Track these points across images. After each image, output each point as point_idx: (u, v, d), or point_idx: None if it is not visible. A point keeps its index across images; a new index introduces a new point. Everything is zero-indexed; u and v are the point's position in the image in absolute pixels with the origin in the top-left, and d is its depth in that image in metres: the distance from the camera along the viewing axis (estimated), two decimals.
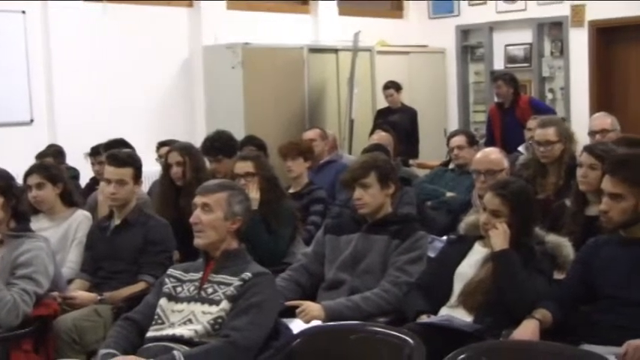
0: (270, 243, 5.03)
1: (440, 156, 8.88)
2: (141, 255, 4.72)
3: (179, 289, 3.56)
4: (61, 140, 7.96)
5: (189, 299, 3.50)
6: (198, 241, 3.58)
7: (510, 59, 11.50)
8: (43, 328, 4.26)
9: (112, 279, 4.73)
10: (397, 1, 12.21)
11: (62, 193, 5.15)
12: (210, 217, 3.56)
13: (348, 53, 10.15)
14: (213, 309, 3.42)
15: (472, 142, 6.48)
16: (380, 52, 10.96)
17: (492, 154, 5.08)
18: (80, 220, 5.11)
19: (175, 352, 3.26)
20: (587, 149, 4.61)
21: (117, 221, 4.86)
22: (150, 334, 3.48)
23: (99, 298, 4.57)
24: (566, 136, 5.44)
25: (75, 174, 7.31)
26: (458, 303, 3.90)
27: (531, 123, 6.93)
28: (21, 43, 8.33)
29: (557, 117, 6.28)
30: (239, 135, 7.16)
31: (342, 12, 11.13)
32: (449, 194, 6.22)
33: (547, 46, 11.30)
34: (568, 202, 4.69)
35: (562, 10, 10.91)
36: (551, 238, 4.05)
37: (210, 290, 3.48)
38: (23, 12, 8.34)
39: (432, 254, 4.42)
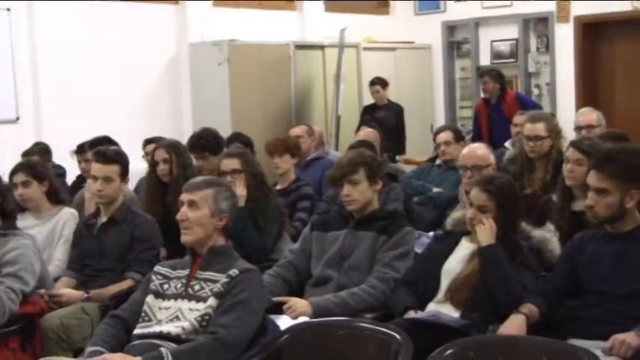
0: (257, 240, 5.03)
1: (426, 152, 8.89)
2: (128, 252, 4.70)
3: (166, 286, 3.56)
4: (47, 138, 7.93)
5: (176, 296, 3.50)
6: (185, 238, 3.58)
7: (496, 55, 11.52)
8: (29, 326, 4.26)
9: (98, 276, 4.71)
10: None
11: (48, 190, 5.14)
12: (197, 214, 3.56)
13: (334, 50, 10.14)
14: (200, 306, 3.42)
15: (458, 137, 6.48)
16: (366, 49, 10.98)
17: (479, 149, 5.10)
18: (67, 217, 5.10)
19: (162, 350, 3.26)
20: (574, 144, 4.62)
21: (103, 219, 4.85)
22: (137, 331, 3.47)
23: (86, 295, 4.55)
24: (556, 132, 5.46)
25: (61, 172, 7.28)
26: (445, 298, 3.91)
27: (518, 118, 6.95)
28: (6, 40, 8.30)
29: (547, 112, 6.28)
30: (225, 132, 7.15)
31: (328, 8, 11.12)
32: (435, 190, 6.22)
33: (533, 42, 11.33)
34: (555, 197, 4.70)
35: (548, 6, 10.94)
36: (538, 233, 4.07)
37: (197, 287, 3.49)
38: (8, 9, 8.31)
39: (418, 250, 4.43)
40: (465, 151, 5.18)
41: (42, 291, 4.44)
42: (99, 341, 3.45)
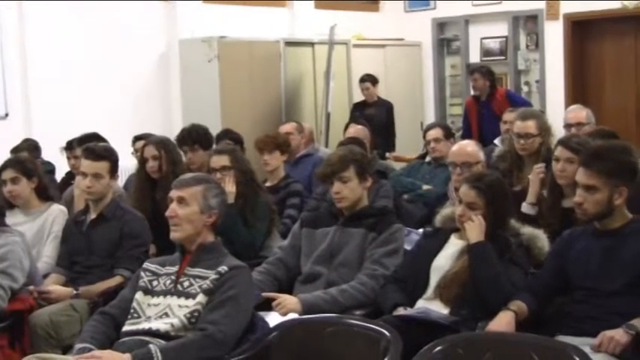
0: (246, 236, 5.03)
1: (416, 149, 8.89)
2: (117, 249, 4.70)
3: (155, 282, 3.56)
4: (36, 134, 7.91)
5: (165, 293, 3.50)
6: (174, 235, 3.58)
7: (486, 52, 11.54)
8: (18, 323, 4.25)
9: (87, 273, 4.71)
10: None
11: (37, 187, 5.13)
12: (186, 210, 3.56)
13: (324, 47, 10.14)
14: (190, 302, 3.42)
15: (448, 134, 6.49)
16: (356, 46, 10.97)
17: (468, 146, 5.10)
18: (56, 214, 5.08)
19: (151, 346, 3.26)
20: (562, 143, 4.62)
21: (93, 215, 4.84)
22: (126, 328, 3.47)
23: (75, 292, 4.55)
24: (545, 130, 5.47)
25: (51, 168, 7.27)
26: (434, 295, 3.92)
27: (507, 116, 6.95)
28: None
29: (537, 110, 6.28)
30: (215, 128, 7.15)
31: (318, 5, 11.11)
32: (425, 187, 6.23)
33: (522, 39, 11.34)
34: (544, 193, 4.71)
35: (537, 4, 10.95)
36: (527, 230, 4.08)
37: (186, 284, 3.48)
38: None
39: (408, 247, 4.43)
40: (454, 148, 5.18)
41: (31, 288, 4.43)
42: (88, 338, 3.44)
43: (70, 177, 6.95)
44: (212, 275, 3.45)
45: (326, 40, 10.07)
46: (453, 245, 4.04)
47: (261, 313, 3.72)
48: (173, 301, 3.46)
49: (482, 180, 4.00)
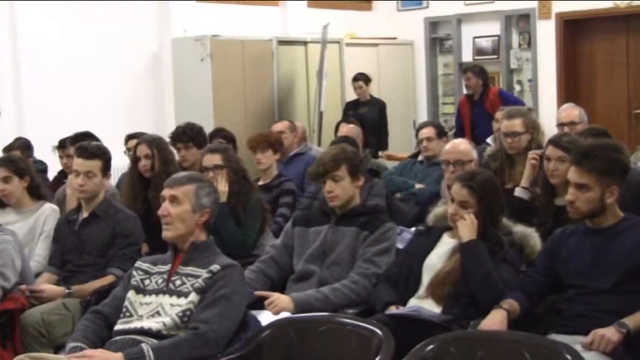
0: (239, 235, 5.03)
1: (409, 148, 8.91)
2: (109, 248, 4.70)
3: (147, 281, 3.56)
4: (28, 133, 7.89)
5: (157, 292, 3.50)
6: (167, 234, 3.58)
7: (479, 51, 11.55)
8: (10, 322, 4.24)
9: (79, 272, 4.70)
10: None
11: (29, 186, 5.12)
12: (178, 209, 3.55)
13: (316, 45, 10.15)
14: (182, 301, 3.42)
15: (441, 133, 6.50)
16: (349, 45, 10.98)
17: (462, 144, 5.11)
18: (48, 213, 5.08)
19: (144, 345, 3.26)
20: (553, 142, 4.62)
21: (85, 214, 4.83)
22: (118, 327, 3.47)
23: (67, 291, 4.54)
24: (533, 127, 5.47)
25: (43, 167, 7.26)
26: (426, 294, 3.92)
27: (499, 114, 6.95)
28: None
29: (524, 108, 6.30)
30: (208, 127, 7.14)
31: (311, 4, 11.12)
32: (418, 186, 6.24)
33: (515, 38, 11.36)
34: (538, 190, 4.73)
35: (529, 3, 10.97)
36: (519, 228, 4.08)
37: (178, 282, 3.48)
38: None
39: (400, 246, 4.43)
40: (447, 146, 5.19)
41: (23, 287, 4.42)
42: (80, 337, 3.44)
43: (62, 176, 6.94)
44: (204, 274, 3.45)
45: (319, 39, 10.08)
46: (446, 244, 4.05)
47: (254, 312, 3.72)
48: (165, 299, 3.46)
49: (475, 179, 4.00)
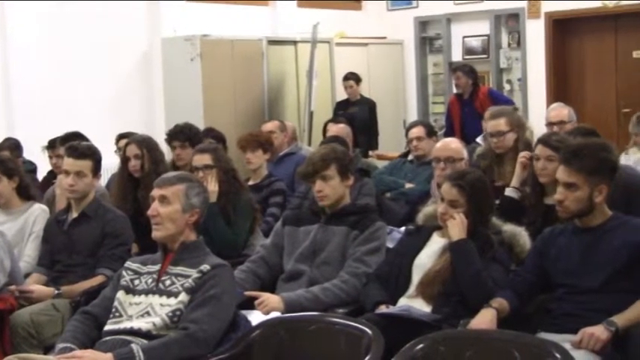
0: (228, 235, 5.02)
1: (399, 147, 8.92)
2: (99, 248, 4.68)
3: (137, 281, 3.55)
4: (17, 133, 7.86)
5: (147, 292, 3.49)
6: (156, 234, 3.57)
7: (468, 51, 11.58)
8: None
9: (69, 272, 4.69)
10: None
11: (19, 186, 5.11)
12: (168, 209, 3.55)
13: (306, 45, 10.15)
14: (172, 301, 3.42)
15: (431, 133, 6.51)
16: (339, 44, 10.98)
17: (452, 143, 5.15)
18: (37, 213, 5.07)
19: (133, 346, 3.25)
20: (542, 142, 4.64)
21: (74, 214, 4.82)
22: (108, 327, 3.46)
23: (56, 292, 4.53)
24: (518, 125, 5.49)
25: (32, 167, 7.24)
26: (416, 293, 3.92)
27: (488, 114, 6.98)
28: None
29: (508, 107, 6.33)
30: (198, 127, 7.13)
31: (301, 4, 11.12)
32: (408, 185, 6.24)
33: (504, 38, 11.39)
34: (527, 190, 4.74)
35: (519, 2, 11.02)
36: (508, 227, 4.09)
37: (168, 282, 3.48)
38: None
39: (390, 245, 4.44)
40: (439, 144, 5.23)
41: (12, 287, 4.41)
42: (69, 338, 3.43)
43: (51, 176, 6.92)
44: (194, 274, 3.45)
45: (309, 39, 10.08)
46: (435, 243, 4.05)
47: (244, 312, 3.72)
48: (155, 299, 3.46)
49: (464, 178, 4.01)
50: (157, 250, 3.64)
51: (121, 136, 6.96)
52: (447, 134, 8.63)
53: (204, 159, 5.22)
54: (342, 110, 9.73)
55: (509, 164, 5.29)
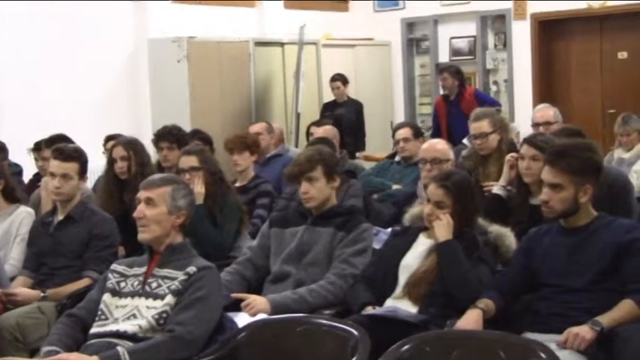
0: (215, 237, 5.01)
1: (386, 148, 8.92)
2: (85, 250, 4.67)
3: (123, 284, 3.54)
4: (3, 136, 7.81)
5: (133, 294, 3.49)
6: (142, 236, 3.57)
7: (455, 52, 11.59)
8: None
9: (55, 275, 4.67)
10: None
11: (4, 189, 5.10)
12: (154, 211, 3.54)
13: (293, 47, 10.14)
14: (158, 303, 3.41)
15: (417, 134, 6.53)
16: (325, 46, 10.98)
17: (439, 144, 5.17)
18: (23, 216, 5.05)
19: (119, 349, 3.24)
20: (527, 141, 4.67)
21: (60, 217, 4.81)
22: (93, 330, 3.45)
23: (42, 295, 4.51)
24: (501, 126, 5.52)
25: (18, 170, 7.21)
26: (403, 294, 3.93)
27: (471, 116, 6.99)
28: None
29: (491, 109, 6.36)
30: (185, 129, 7.12)
31: (288, 5, 11.11)
32: (395, 187, 6.25)
33: (491, 39, 11.41)
34: (513, 190, 4.76)
35: (505, 3, 11.04)
36: (494, 228, 4.11)
37: (154, 285, 3.47)
38: None
39: (377, 246, 4.44)
40: (425, 145, 5.25)
41: None
42: (55, 341, 3.42)
43: (37, 179, 6.90)
44: (180, 276, 3.44)
45: (295, 40, 10.08)
46: (422, 244, 4.06)
47: (230, 314, 3.72)
48: (141, 302, 3.45)
49: (450, 179, 4.03)
50: (143, 253, 3.64)
51: (109, 138, 6.95)
52: (433, 135, 8.64)
53: (191, 161, 5.21)
54: (330, 112, 9.73)
55: (494, 165, 5.31)
